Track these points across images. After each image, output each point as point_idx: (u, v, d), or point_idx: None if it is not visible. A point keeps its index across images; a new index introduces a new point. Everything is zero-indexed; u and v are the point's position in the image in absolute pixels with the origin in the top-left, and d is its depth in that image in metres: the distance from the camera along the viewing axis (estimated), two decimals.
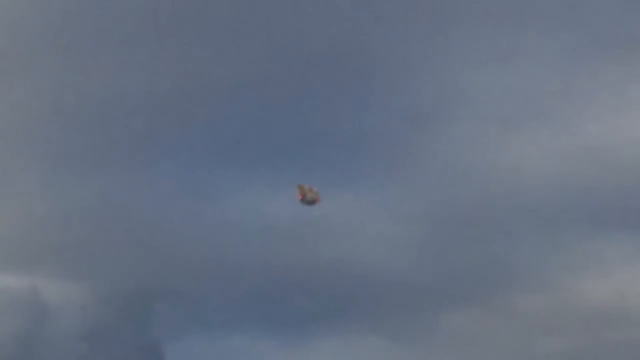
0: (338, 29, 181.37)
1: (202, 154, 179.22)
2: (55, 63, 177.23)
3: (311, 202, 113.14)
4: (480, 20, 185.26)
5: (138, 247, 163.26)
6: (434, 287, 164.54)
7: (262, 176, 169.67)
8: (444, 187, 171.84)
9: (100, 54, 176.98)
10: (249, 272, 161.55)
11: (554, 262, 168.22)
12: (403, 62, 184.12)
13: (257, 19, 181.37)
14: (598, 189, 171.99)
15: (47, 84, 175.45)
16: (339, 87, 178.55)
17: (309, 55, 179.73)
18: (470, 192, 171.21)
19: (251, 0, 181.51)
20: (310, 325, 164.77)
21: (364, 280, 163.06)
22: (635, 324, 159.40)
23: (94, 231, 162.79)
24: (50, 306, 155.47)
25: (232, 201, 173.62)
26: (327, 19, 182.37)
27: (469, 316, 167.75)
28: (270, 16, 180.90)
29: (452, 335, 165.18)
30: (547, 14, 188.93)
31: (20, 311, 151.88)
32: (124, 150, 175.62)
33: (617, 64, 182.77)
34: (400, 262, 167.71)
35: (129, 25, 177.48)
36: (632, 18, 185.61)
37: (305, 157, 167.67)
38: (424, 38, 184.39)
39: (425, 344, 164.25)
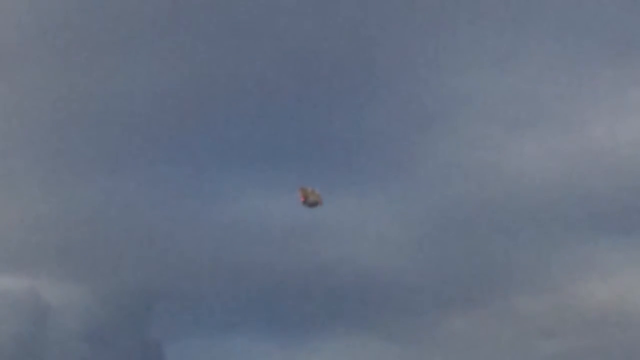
0: (340, 32, 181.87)
1: (203, 156, 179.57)
2: (56, 66, 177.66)
3: (313, 205, 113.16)
4: (482, 24, 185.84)
5: (138, 249, 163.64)
6: (435, 289, 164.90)
7: (264, 178, 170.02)
8: (446, 190, 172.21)
9: (103, 57, 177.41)
10: (250, 274, 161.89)
11: (555, 265, 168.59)
12: (406, 64, 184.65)
13: (258, 22, 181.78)
14: (599, 191, 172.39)
15: (48, 87, 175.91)
16: (341, 89, 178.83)
17: (311, 58, 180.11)
18: (471, 194, 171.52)
19: (253, 3, 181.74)
20: (310, 327, 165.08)
21: (365, 282, 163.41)
22: (635, 327, 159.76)
23: (95, 233, 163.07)
24: (51, 307, 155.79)
25: (233, 203, 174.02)
26: (330, 21, 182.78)
27: (470, 318, 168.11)
28: (273, 19, 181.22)
29: (453, 337, 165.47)
30: (549, 17, 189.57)
31: (21, 312, 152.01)
32: (124, 152, 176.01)
33: (618, 68, 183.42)
34: (401, 264, 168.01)
35: (132, 29, 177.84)
36: (633, 22, 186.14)
37: (308, 160, 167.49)
38: (427, 41, 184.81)
39: (426, 346, 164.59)
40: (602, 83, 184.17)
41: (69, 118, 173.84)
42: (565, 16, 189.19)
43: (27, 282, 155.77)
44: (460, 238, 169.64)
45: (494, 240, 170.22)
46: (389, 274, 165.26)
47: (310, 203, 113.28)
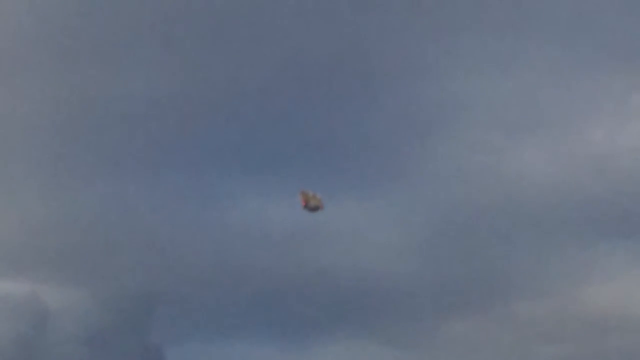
0: (340, 36, 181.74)
1: (204, 160, 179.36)
2: (56, 70, 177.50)
3: (314, 209, 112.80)
4: (482, 28, 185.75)
5: (139, 253, 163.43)
6: (435, 294, 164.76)
7: (265, 182, 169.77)
8: (446, 194, 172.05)
9: (104, 61, 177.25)
10: (251, 278, 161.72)
11: (555, 270, 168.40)
12: (406, 69, 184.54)
13: (259, 27, 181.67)
14: (599, 196, 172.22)
15: (48, 91, 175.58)
16: (342, 94, 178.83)
17: (311, 63, 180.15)
18: (472, 199, 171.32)
19: (253, 7, 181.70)
20: (311, 332, 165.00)
21: (366, 286, 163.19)
22: (636, 331, 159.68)
23: (95, 237, 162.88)
24: (51, 311, 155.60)
25: (234, 207, 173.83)
26: (330, 25, 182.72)
27: (470, 323, 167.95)
28: (273, 23, 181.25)
29: (453, 342, 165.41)
30: (549, 22, 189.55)
31: (21, 316, 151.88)
32: (125, 156, 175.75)
33: (619, 73, 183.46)
34: (401, 269, 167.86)
35: (132, 33, 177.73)
36: (634, 28, 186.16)
37: (309, 164, 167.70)
38: (427, 45, 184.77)
39: (426, 351, 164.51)
40: (602, 88, 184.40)
41: (69, 122, 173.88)
42: (565, 22, 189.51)
43: (27, 286, 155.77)
44: (461, 243, 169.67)
45: (494, 245, 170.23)
46: (390, 279, 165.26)
47: (312, 207, 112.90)
